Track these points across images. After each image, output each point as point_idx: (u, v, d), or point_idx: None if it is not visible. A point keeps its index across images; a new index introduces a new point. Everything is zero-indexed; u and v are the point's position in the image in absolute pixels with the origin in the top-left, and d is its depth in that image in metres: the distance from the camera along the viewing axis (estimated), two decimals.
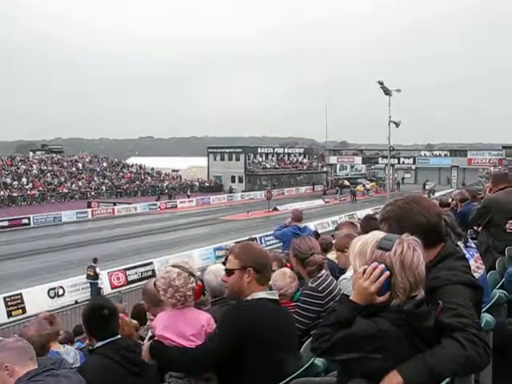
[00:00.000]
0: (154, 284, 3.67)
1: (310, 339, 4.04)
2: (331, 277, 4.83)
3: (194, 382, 3.40)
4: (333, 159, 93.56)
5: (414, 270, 2.40)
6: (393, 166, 75.07)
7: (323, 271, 4.78)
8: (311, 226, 23.28)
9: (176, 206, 65.57)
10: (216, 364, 3.33)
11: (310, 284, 4.66)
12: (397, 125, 39.33)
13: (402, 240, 2.46)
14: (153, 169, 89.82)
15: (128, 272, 27.65)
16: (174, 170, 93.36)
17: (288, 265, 5.44)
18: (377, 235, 2.55)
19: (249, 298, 3.37)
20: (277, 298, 3.50)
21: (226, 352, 3.22)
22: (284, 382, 3.15)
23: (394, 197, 3.49)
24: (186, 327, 3.45)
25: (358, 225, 6.27)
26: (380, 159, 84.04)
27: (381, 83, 37.27)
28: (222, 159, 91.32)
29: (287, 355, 3.29)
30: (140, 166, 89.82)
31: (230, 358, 3.24)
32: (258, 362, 3.17)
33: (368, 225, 5.89)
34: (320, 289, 4.58)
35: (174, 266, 3.56)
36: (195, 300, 3.55)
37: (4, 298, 22.40)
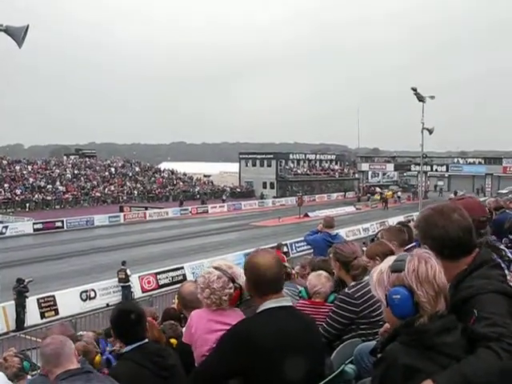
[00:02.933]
0: (196, 280, 3.67)
1: (343, 345, 4.05)
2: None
3: None
4: (365, 166, 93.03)
5: (432, 281, 2.37)
6: (425, 173, 74.36)
7: (366, 277, 4.64)
8: (342, 233, 23.17)
9: (207, 211, 65.82)
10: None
11: (346, 290, 4.56)
12: (430, 132, 38.91)
13: (412, 257, 2.44)
14: (185, 174, 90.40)
15: (159, 276, 27.84)
16: (205, 176, 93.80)
17: None
18: (390, 260, 2.55)
19: (258, 310, 3.26)
20: (287, 304, 3.31)
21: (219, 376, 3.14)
22: None
23: (427, 204, 3.43)
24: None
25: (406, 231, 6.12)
26: (412, 166, 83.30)
27: (414, 89, 36.88)
28: (254, 165, 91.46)
29: (300, 364, 3.10)
30: (172, 171, 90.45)
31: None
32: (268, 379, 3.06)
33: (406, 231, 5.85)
34: (356, 296, 4.46)
35: (216, 267, 3.54)
36: (230, 305, 3.52)
37: (37, 300, 22.73)
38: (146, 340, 3.90)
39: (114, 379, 3.52)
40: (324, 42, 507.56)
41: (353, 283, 4.59)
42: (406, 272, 2.41)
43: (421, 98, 37.51)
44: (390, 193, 79.40)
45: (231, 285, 3.46)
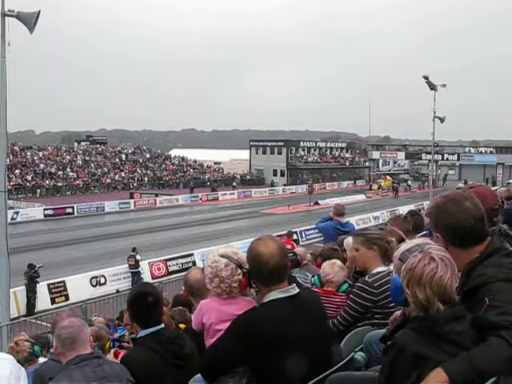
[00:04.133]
0: (202, 270, 3.65)
1: (353, 332, 4.04)
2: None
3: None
4: (375, 154, 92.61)
5: (425, 285, 2.35)
6: (436, 162, 73.97)
7: (385, 268, 4.55)
8: (352, 221, 23.11)
9: (217, 199, 65.85)
10: (218, 370, 3.24)
11: (366, 278, 4.48)
12: (441, 120, 38.78)
13: (418, 253, 2.43)
14: (195, 161, 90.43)
15: (169, 263, 27.99)
16: (216, 163, 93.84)
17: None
18: (410, 243, 2.54)
19: (263, 300, 3.26)
20: (292, 293, 3.26)
21: (226, 361, 3.17)
22: (324, 375, 3.10)
23: (438, 193, 3.40)
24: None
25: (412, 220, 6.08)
26: (423, 155, 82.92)
27: (426, 78, 36.70)
28: (264, 153, 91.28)
29: (304, 355, 3.09)
30: (182, 158, 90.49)
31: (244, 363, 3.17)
32: (270, 369, 3.06)
33: (411, 220, 5.83)
34: (375, 285, 4.38)
35: (222, 255, 3.50)
36: (240, 292, 3.51)
37: (48, 285, 22.90)
38: (163, 325, 3.85)
39: (126, 364, 3.51)
40: (335, 28, 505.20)
41: (374, 272, 4.50)
42: (404, 267, 2.40)
43: (432, 87, 37.34)
44: (388, 182, 78.95)
45: (239, 271, 3.43)
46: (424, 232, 4.54)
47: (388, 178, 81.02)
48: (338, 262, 4.91)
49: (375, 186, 77.68)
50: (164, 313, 4.21)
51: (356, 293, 4.43)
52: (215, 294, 3.50)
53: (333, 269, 4.79)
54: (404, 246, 2.60)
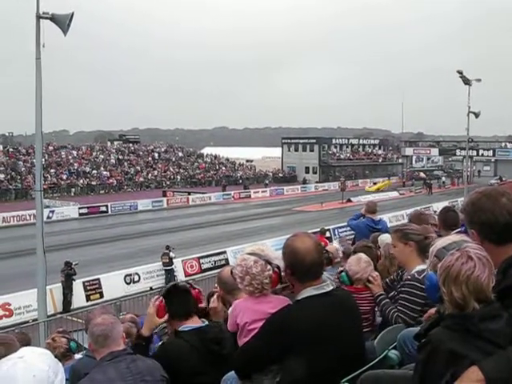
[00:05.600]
0: (231, 272, 3.65)
1: (386, 330, 4.00)
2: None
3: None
4: (408, 151, 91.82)
5: (461, 284, 2.31)
6: (471, 158, 73.00)
7: (425, 266, 4.48)
8: (385, 218, 22.95)
9: (250, 196, 65.99)
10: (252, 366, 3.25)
11: (415, 275, 4.34)
12: (476, 115, 38.27)
13: (455, 251, 2.39)
14: (227, 159, 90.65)
15: (202, 260, 28.09)
16: (248, 161, 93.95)
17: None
18: (447, 240, 2.51)
19: (298, 297, 3.26)
20: (326, 290, 3.25)
21: (262, 357, 3.18)
22: (357, 372, 3.09)
23: (473, 189, 3.35)
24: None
25: (435, 217, 6.03)
26: (458, 151, 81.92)
27: (460, 72, 36.24)
28: (297, 150, 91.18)
29: (338, 352, 3.09)
30: (215, 156, 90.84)
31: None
32: (307, 363, 3.04)
33: (446, 217, 5.73)
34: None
35: (250, 253, 3.51)
36: (272, 287, 3.51)
37: (83, 283, 23.18)
38: (206, 323, 3.89)
39: (163, 353, 3.58)
40: (367, 21, 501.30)
41: (418, 269, 4.37)
42: (440, 264, 2.37)
43: (466, 81, 36.84)
44: (387, 181, 77.23)
45: (269, 267, 3.43)
46: (459, 229, 4.49)
47: (386, 181, 78.58)
48: (364, 257, 4.84)
49: (372, 187, 74.45)
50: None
51: (409, 291, 4.30)
52: (247, 293, 3.50)
53: (359, 266, 4.74)
54: (440, 243, 2.56)
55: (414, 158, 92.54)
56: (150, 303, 3.92)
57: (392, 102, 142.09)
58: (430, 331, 2.38)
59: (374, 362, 3.32)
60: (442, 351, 2.24)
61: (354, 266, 4.74)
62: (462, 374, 2.18)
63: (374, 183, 74.09)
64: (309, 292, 3.21)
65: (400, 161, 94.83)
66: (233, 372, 3.41)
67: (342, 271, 4.86)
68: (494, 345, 2.23)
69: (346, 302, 3.46)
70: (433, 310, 3.23)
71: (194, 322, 3.86)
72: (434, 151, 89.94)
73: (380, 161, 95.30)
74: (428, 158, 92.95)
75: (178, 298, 3.88)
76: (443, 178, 79.87)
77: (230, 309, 3.66)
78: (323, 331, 3.09)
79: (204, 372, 3.65)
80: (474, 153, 77.99)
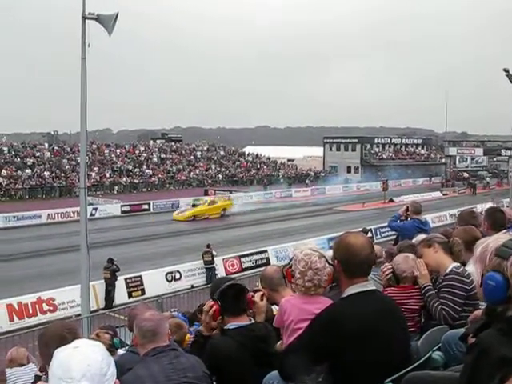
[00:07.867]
0: (285, 267, 3.66)
1: (430, 331, 3.95)
2: None
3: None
4: (452, 151, 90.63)
5: None
6: None
7: (457, 263, 4.51)
8: (428, 218, 22.68)
9: (291, 195, 65.82)
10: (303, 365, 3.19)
11: (454, 269, 4.41)
12: None
13: None
14: (269, 158, 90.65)
15: (243, 259, 28.14)
16: (289, 160, 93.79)
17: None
18: (500, 239, 2.44)
19: (344, 294, 3.25)
20: (371, 288, 3.26)
21: (311, 355, 3.12)
22: (402, 372, 3.05)
23: None
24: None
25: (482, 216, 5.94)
26: (503, 151, 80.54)
27: (506, 71, 35.53)
28: (338, 149, 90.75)
29: (386, 349, 3.08)
30: (256, 155, 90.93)
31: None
32: (353, 362, 3.02)
33: (495, 218, 5.60)
34: (466, 274, 4.32)
35: (312, 249, 3.53)
36: (327, 285, 3.51)
37: (125, 280, 23.44)
38: (253, 321, 3.90)
39: (213, 352, 3.61)
40: (414, 27, 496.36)
41: (455, 265, 4.46)
42: (509, 264, 2.31)
43: None
44: (228, 201, 56.87)
45: (327, 264, 3.46)
46: (505, 230, 4.41)
47: (226, 200, 67.62)
48: (411, 256, 4.81)
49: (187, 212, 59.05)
50: None
51: (453, 285, 4.34)
52: (304, 289, 3.49)
53: (407, 263, 4.70)
54: (494, 243, 2.48)
55: (457, 157, 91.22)
56: (205, 306, 3.93)
57: (436, 102, 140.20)
58: (479, 332, 2.33)
59: (418, 362, 3.29)
60: (491, 355, 2.18)
61: (401, 263, 4.69)
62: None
63: (194, 205, 49.98)
64: (354, 289, 3.20)
65: (443, 161, 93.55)
66: (275, 372, 3.40)
67: (389, 269, 4.79)
68: None
69: (389, 300, 3.53)
70: (479, 312, 3.17)
71: (242, 320, 3.85)
72: (479, 151, 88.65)
73: (423, 160, 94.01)
74: (472, 158, 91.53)
75: (231, 297, 3.86)
76: (487, 179, 78.50)
77: (280, 305, 3.67)
78: (371, 328, 3.07)
79: (250, 369, 3.64)
80: None
